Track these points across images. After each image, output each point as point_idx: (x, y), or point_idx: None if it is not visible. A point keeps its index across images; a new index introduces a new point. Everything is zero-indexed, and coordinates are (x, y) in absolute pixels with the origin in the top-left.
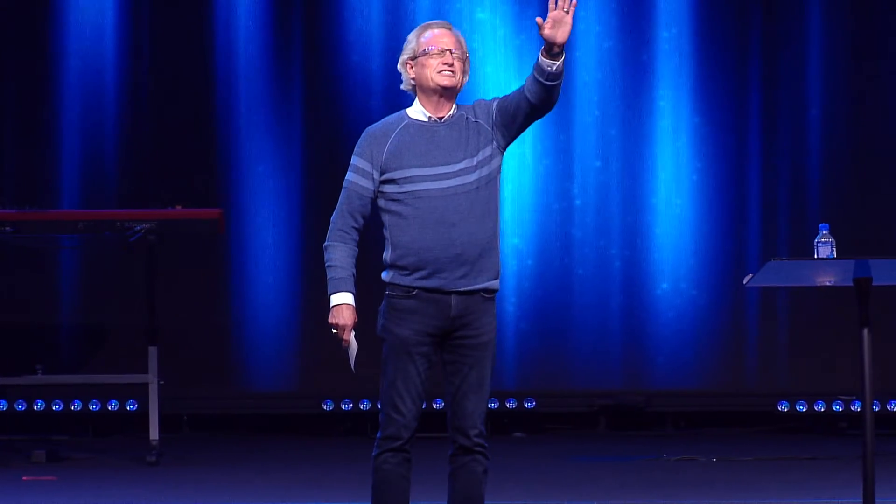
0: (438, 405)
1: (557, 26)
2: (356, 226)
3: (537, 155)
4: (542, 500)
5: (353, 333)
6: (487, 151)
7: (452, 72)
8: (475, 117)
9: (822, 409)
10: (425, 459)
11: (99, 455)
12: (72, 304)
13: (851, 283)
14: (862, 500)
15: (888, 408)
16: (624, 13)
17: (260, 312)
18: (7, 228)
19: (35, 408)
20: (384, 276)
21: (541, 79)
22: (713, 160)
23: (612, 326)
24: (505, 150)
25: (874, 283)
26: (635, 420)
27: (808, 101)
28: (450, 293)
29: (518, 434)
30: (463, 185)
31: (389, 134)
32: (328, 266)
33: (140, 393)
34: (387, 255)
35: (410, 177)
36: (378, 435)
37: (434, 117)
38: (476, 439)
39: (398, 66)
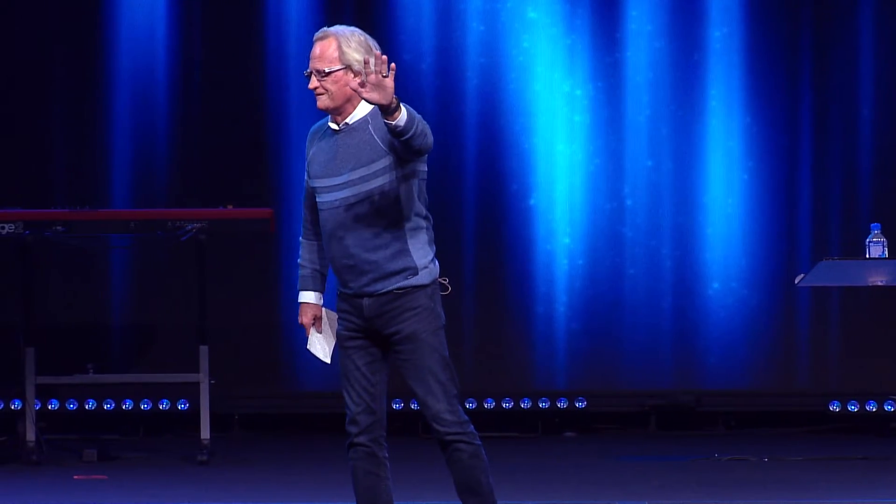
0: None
1: (376, 90)
2: (316, 219)
3: (588, 155)
4: (593, 499)
5: (323, 329)
6: (386, 161)
7: (319, 96)
8: (373, 128)
9: (874, 410)
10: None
11: (150, 454)
12: (123, 303)
13: None
14: None
15: None
16: (675, 13)
17: None
18: (59, 228)
19: (86, 407)
20: None
21: (392, 136)
22: (764, 160)
23: (664, 326)
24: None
25: None
26: (686, 420)
27: (860, 100)
28: (362, 296)
29: (569, 433)
30: (344, 198)
31: (314, 139)
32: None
33: (191, 392)
34: None
35: (316, 187)
36: None
37: (336, 126)
38: (442, 428)
39: None
